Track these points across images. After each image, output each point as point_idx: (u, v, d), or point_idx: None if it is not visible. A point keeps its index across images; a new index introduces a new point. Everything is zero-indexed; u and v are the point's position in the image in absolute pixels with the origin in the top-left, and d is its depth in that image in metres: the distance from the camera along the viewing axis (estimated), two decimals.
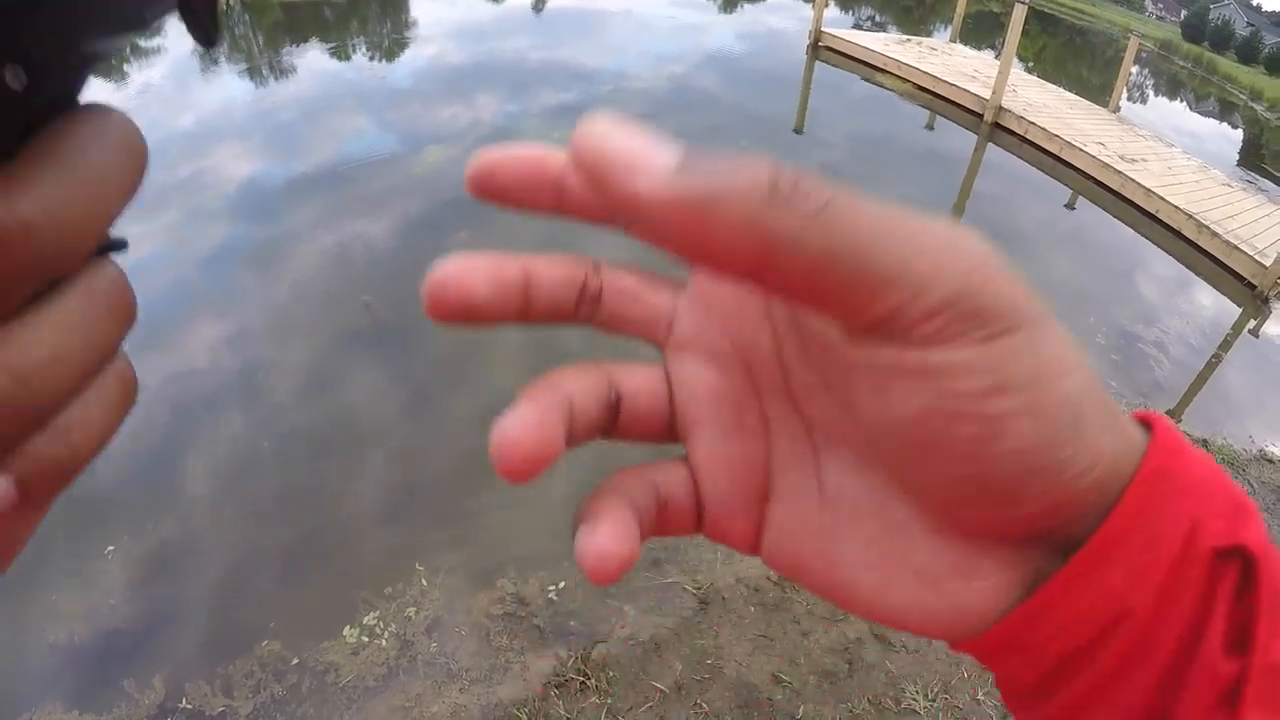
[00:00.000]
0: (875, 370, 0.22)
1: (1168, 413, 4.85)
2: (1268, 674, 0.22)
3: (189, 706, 2.66)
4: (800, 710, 2.67)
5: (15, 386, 0.18)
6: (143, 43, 11.99)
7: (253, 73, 10.69)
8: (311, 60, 11.15)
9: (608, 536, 0.24)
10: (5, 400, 0.18)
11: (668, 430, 0.27)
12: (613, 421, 0.27)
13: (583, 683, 2.69)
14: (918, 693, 2.72)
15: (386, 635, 2.91)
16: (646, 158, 0.19)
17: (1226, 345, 6.00)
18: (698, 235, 0.19)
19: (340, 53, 11.67)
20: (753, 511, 0.27)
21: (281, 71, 10.73)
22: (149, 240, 5.82)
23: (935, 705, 2.69)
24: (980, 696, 2.76)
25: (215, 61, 11.04)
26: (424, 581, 3.16)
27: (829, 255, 0.19)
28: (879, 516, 0.25)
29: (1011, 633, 0.25)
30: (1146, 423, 0.26)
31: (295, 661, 2.83)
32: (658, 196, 0.18)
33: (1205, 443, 4.55)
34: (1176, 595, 0.23)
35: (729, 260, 0.19)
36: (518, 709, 2.61)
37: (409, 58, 11.49)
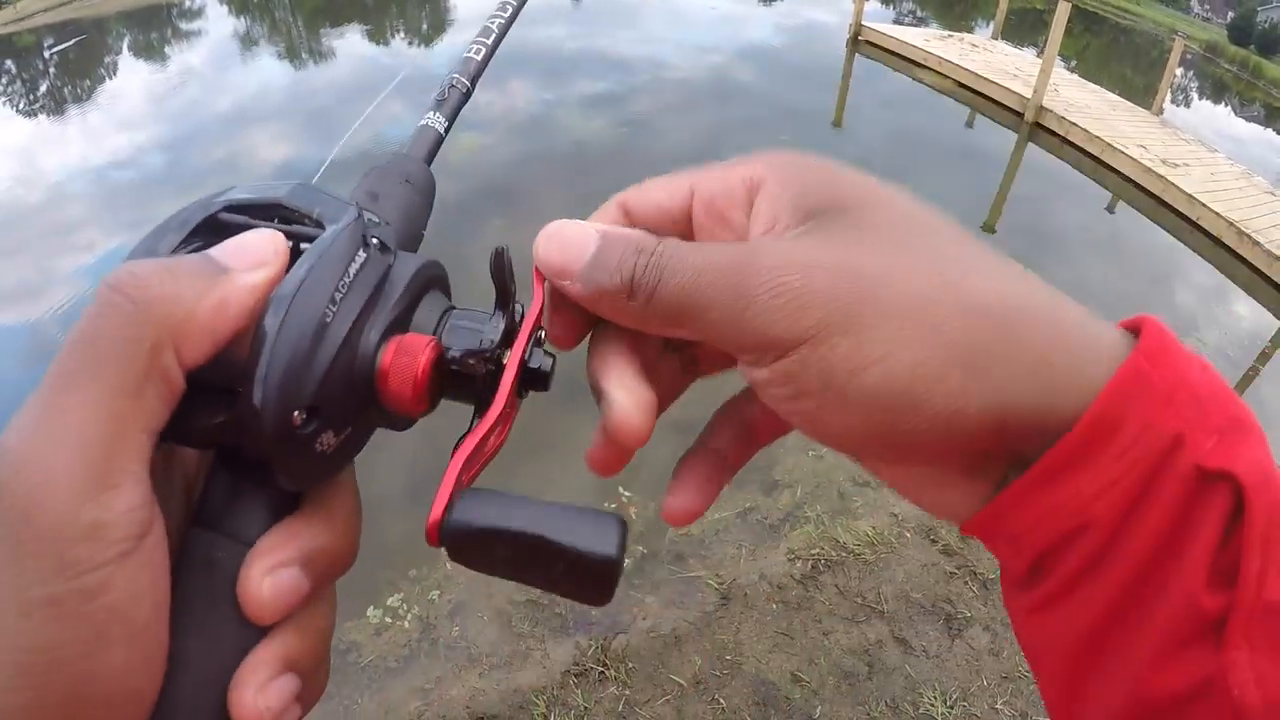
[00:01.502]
0: (748, 380, 0.28)
1: None
2: (1257, 613, 0.22)
3: None
4: (818, 710, 2.66)
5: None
6: (183, 25, 12.16)
7: (291, 56, 10.80)
8: (350, 45, 11.23)
9: (685, 501, 0.32)
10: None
11: None
12: None
13: (602, 673, 2.71)
14: (936, 698, 2.71)
15: (409, 617, 2.95)
16: (568, 267, 0.28)
17: (1264, 358, 5.88)
18: (605, 314, 0.28)
19: (378, 37, 11.75)
20: None
21: (320, 55, 10.82)
22: None
23: (954, 712, 2.68)
24: (999, 705, 2.74)
25: (254, 44, 11.16)
26: (448, 565, 3.19)
27: (668, 322, 0.27)
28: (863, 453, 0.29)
29: (984, 526, 0.27)
30: (1137, 328, 0.27)
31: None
32: (577, 297, 0.28)
33: None
34: (1149, 512, 0.24)
35: (629, 324, 0.28)
36: (536, 696, 2.63)
37: (446, 44, 11.53)
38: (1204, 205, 7.48)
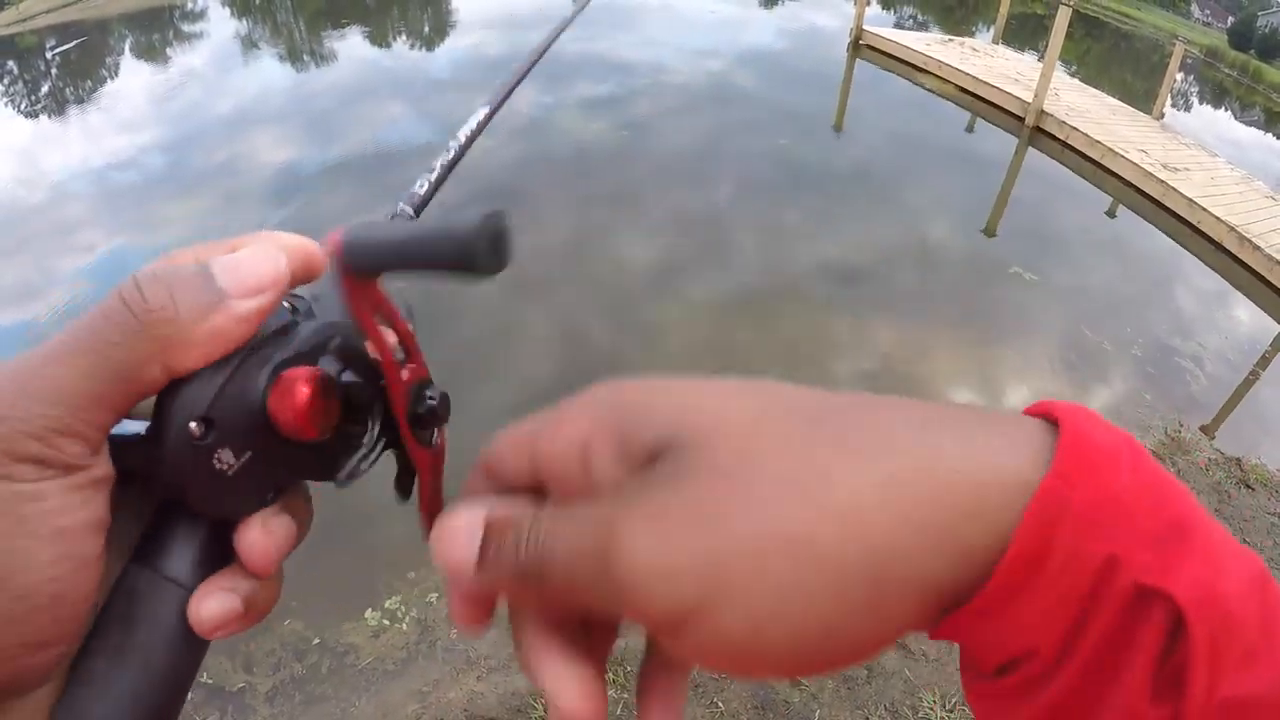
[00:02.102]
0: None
1: (1202, 429, 4.76)
2: (1208, 715, 0.22)
3: (209, 681, 2.70)
4: (816, 715, 2.66)
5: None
6: (185, 27, 12.18)
7: (292, 58, 10.81)
8: (351, 47, 11.24)
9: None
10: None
11: None
12: None
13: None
14: (935, 702, 2.70)
15: (407, 619, 2.94)
16: (462, 567, 0.27)
17: (1265, 363, 5.87)
18: (511, 601, 0.29)
19: (379, 40, 11.76)
20: None
21: (321, 58, 10.83)
22: (185, 222, 5.91)
23: (952, 716, 2.67)
24: None
25: (255, 46, 11.17)
26: (433, 600, 3.18)
27: (566, 603, 0.27)
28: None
29: (947, 636, 0.26)
30: (1052, 417, 0.25)
31: (316, 641, 2.87)
32: (476, 585, 0.27)
33: (1239, 462, 4.46)
34: (1089, 630, 0.23)
35: (533, 609, 0.29)
36: (534, 698, 2.62)
37: (447, 47, 11.55)
38: (1204, 210, 7.48)
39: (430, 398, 0.31)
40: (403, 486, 0.32)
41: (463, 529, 0.27)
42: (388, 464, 0.32)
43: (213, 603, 0.27)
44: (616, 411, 0.28)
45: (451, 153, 0.39)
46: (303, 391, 0.26)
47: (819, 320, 5.34)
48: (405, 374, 0.30)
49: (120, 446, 0.26)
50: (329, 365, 0.29)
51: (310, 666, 2.80)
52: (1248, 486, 4.29)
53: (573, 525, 0.26)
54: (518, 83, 0.46)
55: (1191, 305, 6.56)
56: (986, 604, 0.23)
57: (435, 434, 0.32)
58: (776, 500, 0.24)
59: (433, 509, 0.31)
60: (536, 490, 0.29)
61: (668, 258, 5.79)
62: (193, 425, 0.25)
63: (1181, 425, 4.72)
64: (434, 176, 0.37)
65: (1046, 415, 0.25)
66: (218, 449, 0.26)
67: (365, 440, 0.31)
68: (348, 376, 0.29)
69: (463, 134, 0.41)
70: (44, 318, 4.77)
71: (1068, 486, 0.23)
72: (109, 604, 0.26)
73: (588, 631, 0.29)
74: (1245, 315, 6.54)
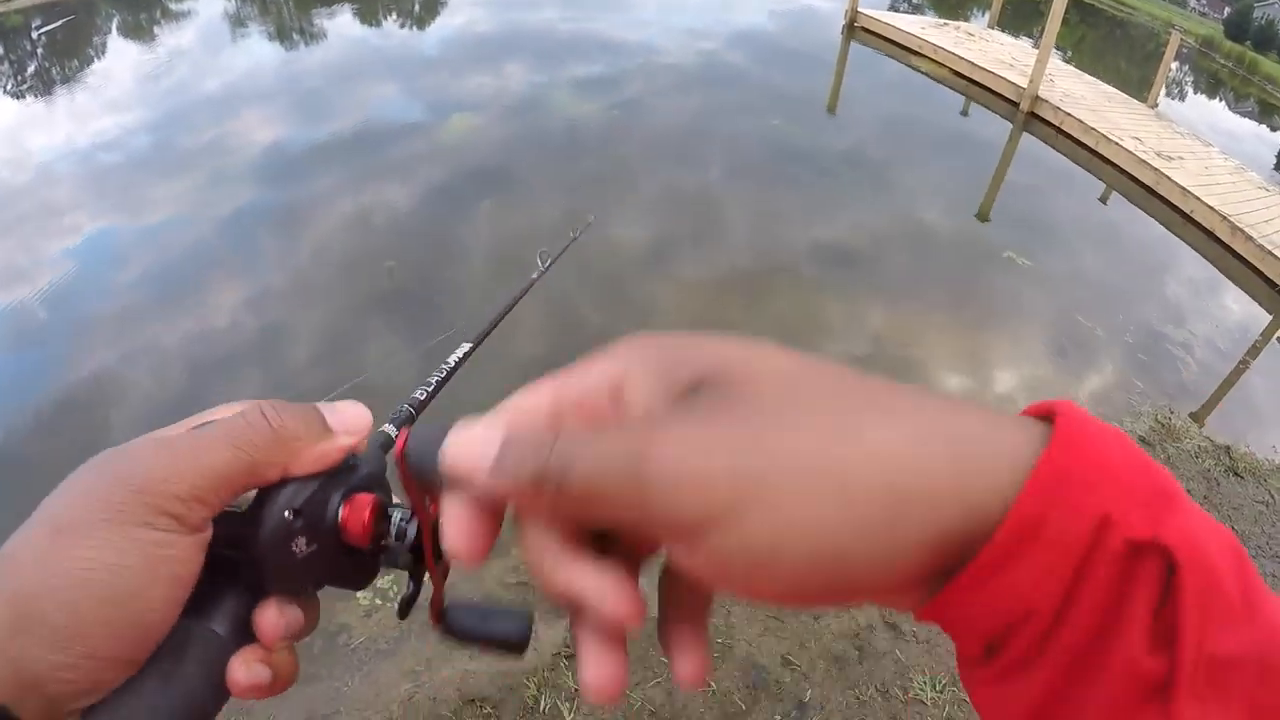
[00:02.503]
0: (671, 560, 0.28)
1: (1191, 416, 4.79)
2: (1199, 667, 0.23)
3: None
4: (808, 694, 2.66)
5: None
6: (172, 5, 12.01)
7: (281, 37, 10.68)
8: (341, 25, 11.12)
9: (693, 666, 0.31)
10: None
11: None
12: None
13: None
14: (926, 683, 2.71)
15: (400, 599, 2.93)
16: (472, 474, 0.28)
17: (1255, 352, 5.90)
18: (519, 510, 0.29)
19: (369, 18, 11.64)
20: None
21: (310, 36, 10.71)
22: (173, 203, 5.85)
23: (943, 697, 2.68)
24: None
25: (244, 24, 11.04)
26: None
27: (578, 513, 0.28)
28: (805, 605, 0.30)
29: (934, 616, 0.28)
30: (1050, 413, 0.27)
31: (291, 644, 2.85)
32: (485, 489, 0.29)
33: (1228, 450, 4.48)
34: (1084, 590, 0.25)
35: (540, 519, 0.29)
36: (527, 678, 2.62)
37: (438, 25, 11.44)
38: (1198, 199, 7.49)
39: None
40: (404, 608, 0.40)
41: (479, 435, 0.29)
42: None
43: (250, 670, 0.34)
44: (658, 350, 0.30)
45: (443, 373, 0.48)
46: (365, 510, 0.36)
47: (811, 301, 5.33)
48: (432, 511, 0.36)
49: (220, 518, 0.33)
50: (380, 495, 0.38)
51: (302, 646, 2.75)
52: (1236, 474, 4.32)
53: (605, 436, 0.27)
54: (496, 323, 0.57)
55: (1183, 294, 6.58)
56: (990, 560, 0.25)
57: (446, 565, 0.38)
58: (814, 433, 0.26)
59: (439, 608, 0.37)
60: None
61: (659, 238, 5.77)
62: (288, 513, 0.34)
63: (1172, 412, 4.74)
64: (430, 390, 0.46)
65: (1046, 411, 0.28)
66: (298, 535, 0.34)
67: (398, 560, 0.39)
68: (394, 508, 0.38)
69: (452, 359, 0.50)
70: (30, 299, 4.72)
71: (1065, 456, 0.25)
72: (163, 646, 0.32)
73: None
74: (1236, 304, 6.58)
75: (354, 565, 0.38)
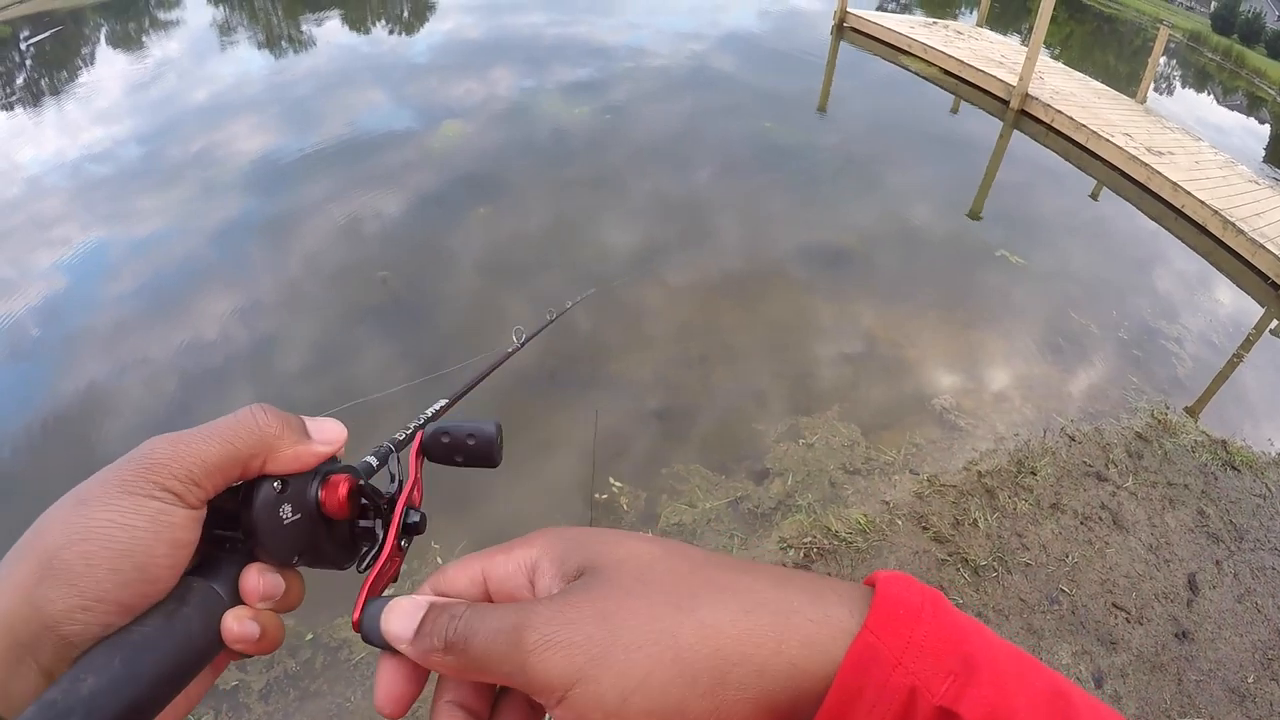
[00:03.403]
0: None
1: (1187, 410, 4.80)
2: None
3: None
4: None
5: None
6: (161, 15, 11.97)
7: (270, 45, 10.65)
8: (329, 33, 11.09)
9: None
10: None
11: None
12: None
13: None
14: None
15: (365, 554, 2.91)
16: (400, 642, 0.36)
17: (1248, 345, 5.92)
18: (435, 668, 0.36)
19: (358, 26, 11.61)
20: None
21: (299, 45, 10.68)
22: (162, 214, 5.82)
23: None
24: None
25: (232, 33, 11.00)
26: (439, 560, 3.16)
27: (478, 673, 0.34)
28: None
29: None
30: (874, 585, 0.34)
31: (309, 637, 2.84)
32: (413, 657, 0.36)
33: (1225, 444, 4.50)
34: None
35: (451, 675, 0.37)
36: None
37: (426, 32, 11.41)
38: (1188, 193, 7.52)
39: (419, 514, 0.45)
40: (363, 560, 0.44)
41: (408, 607, 0.37)
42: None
43: (241, 623, 0.38)
44: (560, 542, 0.38)
45: (421, 420, 0.53)
46: (341, 485, 0.42)
47: (804, 303, 5.33)
48: (407, 496, 0.45)
49: (220, 495, 0.39)
50: (356, 479, 0.44)
51: (304, 663, 2.77)
52: (1233, 468, 4.33)
53: (498, 612, 0.35)
54: (471, 387, 0.61)
55: (1176, 288, 6.59)
56: None
57: (408, 544, 0.45)
58: (656, 608, 0.33)
59: (372, 593, 0.41)
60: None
61: (650, 241, 5.76)
62: (275, 483, 0.40)
63: (1168, 408, 4.75)
64: (409, 433, 0.50)
65: (871, 582, 0.34)
66: (285, 503, 0.40)
67: (372, 537, 0.44)
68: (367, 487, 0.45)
69: (430, 411, 0.55)
70: (19, 312, 4.69)
71: (875, 637, 0.31)
72: (169, 595, 0.37)
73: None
74: (1228, 298, 6.59)
75: (335, 540, 0.43)
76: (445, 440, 0.46)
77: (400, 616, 0.37)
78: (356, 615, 0.39)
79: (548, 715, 0.36)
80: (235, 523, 0.40)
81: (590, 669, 0.31)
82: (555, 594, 0.36)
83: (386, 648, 0.38)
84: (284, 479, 0.41)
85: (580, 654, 0.32)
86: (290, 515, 0.40)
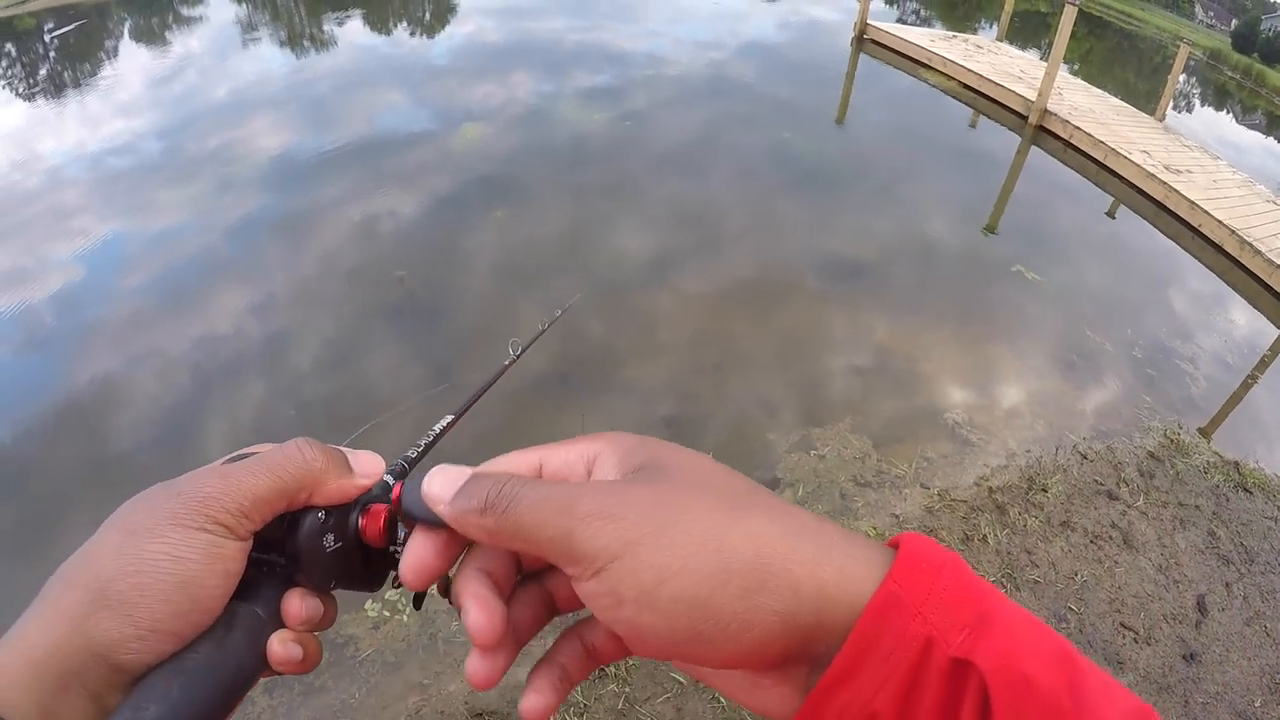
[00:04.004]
0: (581, 596, 0.35)
1: (1200, 431, 4.77)
2: None
3: None
4: None
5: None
6: (184, 10, 12.08)
7: (292, 44, 10.73)
8: (351, 33, 11.17)
9: (534, 699, 0.39)
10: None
11: None
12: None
13: (601, 670, 2.69)
14: None
15: (408, 611, 2.93)
16: (438, 501, 0.37)
17: (1263, 366, 5.88)
18: (465, 530, 0.37)
19: (380, 27, 11.68)
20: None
21: (320, 44, 10.75)
22: (181, 208, 5.87)
23: None
24: None
25: (255, 30, 11.09)
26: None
27: (513, 537, 0.35)
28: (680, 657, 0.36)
29: None
30: (898, 544, 0.35)
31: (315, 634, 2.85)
32: (448, 518, 0.37)
33: (1237, 465, 4.47)
34: (920, 701, 0.31)
35: (483, 539, 0.37)
36: None
37: (447, 34, 11.48)
38: (1206, 212, 7.48)
39: None
40: (417, 601, 0.45)
41: (452, 473, 0.38)
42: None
43: (286, 646, 0.40)
44: (623, 440, 0.39)
45: (430, 437, 0.55)
46: (380, 516, 0.44)
47: (817, 313, 5.33)
48: None
49: (264, 531, 0.41)
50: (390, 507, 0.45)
51: None
52: (1245, 490, 4.30)
53: (547, 484, 0.36)
54: (475, 400, 0.64)
55: (1192, 308, 6.56)
56: (840, 667, 0.32)
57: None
58: (709, 509, 0.34)
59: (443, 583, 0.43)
60: None
61: (666, 249, 5.77)
62: (320, 514, 0.42)
63: (1181, 427, 4.72)
64: (420, 451, 0.53)
65: (895, 543, 0.35)
66: (328, 532, 0.42)
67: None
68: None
69: (437, 428, 0.56)
70: (38, 302, 4.74)
71: (898, 585, 0.32)
72: (216, 621, 0.39)
73: (520, 611, 0.41)
74: (1244, 319, 6.55)
75: (369, 566, 0.45)
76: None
77: (443, 478, 0.38)
78: (396, 493, 0.42)
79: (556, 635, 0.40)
80: (274, 547, 0.42)
81: (636, 545, 0.33)
82: (613, 479, 0.37)
83: (426, 519, 0.39)
84: (327, 510, 0.42)
85: (631, 529, 0.33)
86: (332, 544, 0.42)
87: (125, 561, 0.36)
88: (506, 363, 0.76)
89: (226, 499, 0.38)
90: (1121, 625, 3.35)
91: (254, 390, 4.13)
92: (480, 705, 2.59)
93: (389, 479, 0.47)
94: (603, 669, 2.68)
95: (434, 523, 0.39)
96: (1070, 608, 3.37)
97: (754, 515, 0.34)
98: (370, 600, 2.94)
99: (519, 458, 0.40)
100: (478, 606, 0.37)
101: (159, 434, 3.82)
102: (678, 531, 0.33)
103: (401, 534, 0.44)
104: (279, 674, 0.41)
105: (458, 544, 0.40)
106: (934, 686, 0.31)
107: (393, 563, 0.44)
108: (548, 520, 0.34)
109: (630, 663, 2.72)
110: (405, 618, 2.90)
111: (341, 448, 0.45)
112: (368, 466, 0.44)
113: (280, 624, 0.41)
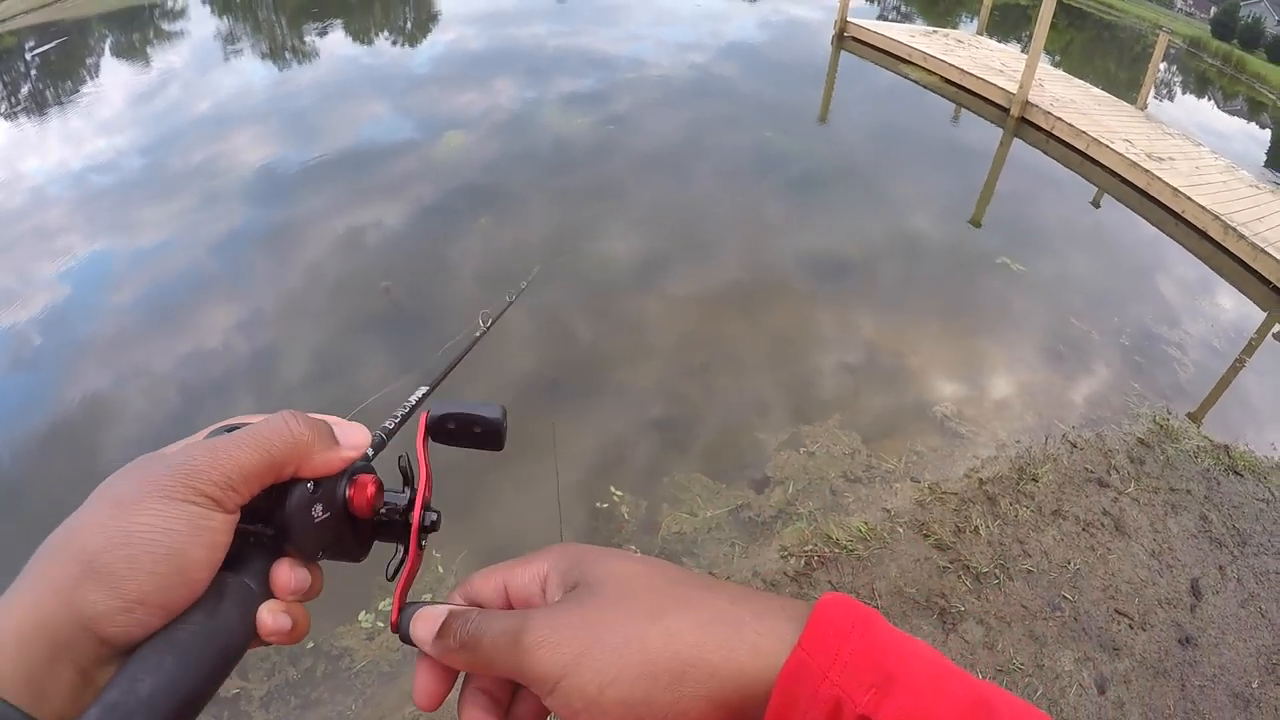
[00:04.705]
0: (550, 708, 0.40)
1: (1189, 416, 4.80)
2: None
3: None
4: None
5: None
6: (165, 26, 12.05)
7: (274, 56, 10.71)
8: (332, 44, 11.15)
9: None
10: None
11: None
12: None
13: None
14: None
15: (389, 565, 2.91)
16: (424, 644, 0.43)
17: (1250, 350, 5.91)
18: (453, 664, 0.43)
19: (361, 37, 11.67)
20: None
21: (302, 56, 10.73)
22: (165, 225, 5.85)
23: None
24: None
25: (236, 44, 11.06)
26: (439, 569, 3.17)
27: (487, 667, 0.40)
28: None
29: None
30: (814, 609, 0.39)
31: (310, 645, 2.84)
32: (435, 658, 0.43)
33: (1227, 449, 4.49)
34: None
35: (466, 669, 0.43)
36: None
37: (428, 43, 11.47)
38: (1189, 199, 7.52)
39: (435, 514, 0.47)
40: (393, 571, 0.47)
41: (432, 615, 0.43)
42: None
43: (275, 617, 0.41)
44: (563, 559, 0.44)
45: (407, 409, 0.56)
46: (369, 486, 0.45)
47: (804, 311, 5.34)
48: (423, 498, 0.47)
49: (252, 502, 0.41)
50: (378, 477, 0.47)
51: (305, 671, 2.77)
52: (1236, 473, 4.32)
53: (503, 617, 0.41)
54: (447, 373, 0.66)
55: (1177, 294, 6.59)
56: None
57: (424, 542, 0.48)
58: (629, 618, 0.39)
59: (403, 595, 0.46)
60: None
61: (652, 252, 5.77)
62: (309, 484, 0.43)
63: (1170, 413, 4.74)
64: (397, 421, 0.53)
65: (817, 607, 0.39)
66: (316, 502, 0.43)
67: (389, 529, 0.47)
68: (388, 490, 0.48)
69: (413, 399, 0.57)
70: (22, 323, 4.71)
71: (806, 654, 0.36)
72: (206, 592, 0.39)
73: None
74: (1230, 303, 6.59)
75: (356, 535, 0.46)
76: (451, 426, 0.48)
77: (424, 622, 0.43)
78: (394, 618, 0.45)
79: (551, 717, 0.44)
80: (261, 517, 0.42)
81: (574, 665, 0.38)
82: (553, 603, 0.42)
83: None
84: (316, 480, 0.43)
85: (566, 653, 0.38)
86: (321, 514, 0.43)
87: (112, 534, 0.36)
88: (478, 334, 0.77)
89: (214, 472, 0.39)
90: (1116, 611, 3.36)
91: (241, 404, 4.12)
92: None
93: (369, 451, 0.48)
94: None
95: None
96: (1064, 596, 3.38)
97: (669, 615, 0.39)
98: (364, 612, 2.93)
99: (486, 582, 0.45)
100: None
101: (151, 449, 3.79)
102: (606, 645, 0.38)
103: (387, 501, 0.46)
104: (267, 644, 0.42)
105: (452, 670, 0.44)
106: None
107: (379, 531, 0.47)
108: (504, 654, 0.39)
109: None
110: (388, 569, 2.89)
111: (327, 418, 0.46)
112: (354, 438, 0.46)
113: (269, 593, 0.42)
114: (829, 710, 0.35)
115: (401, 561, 0.47)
